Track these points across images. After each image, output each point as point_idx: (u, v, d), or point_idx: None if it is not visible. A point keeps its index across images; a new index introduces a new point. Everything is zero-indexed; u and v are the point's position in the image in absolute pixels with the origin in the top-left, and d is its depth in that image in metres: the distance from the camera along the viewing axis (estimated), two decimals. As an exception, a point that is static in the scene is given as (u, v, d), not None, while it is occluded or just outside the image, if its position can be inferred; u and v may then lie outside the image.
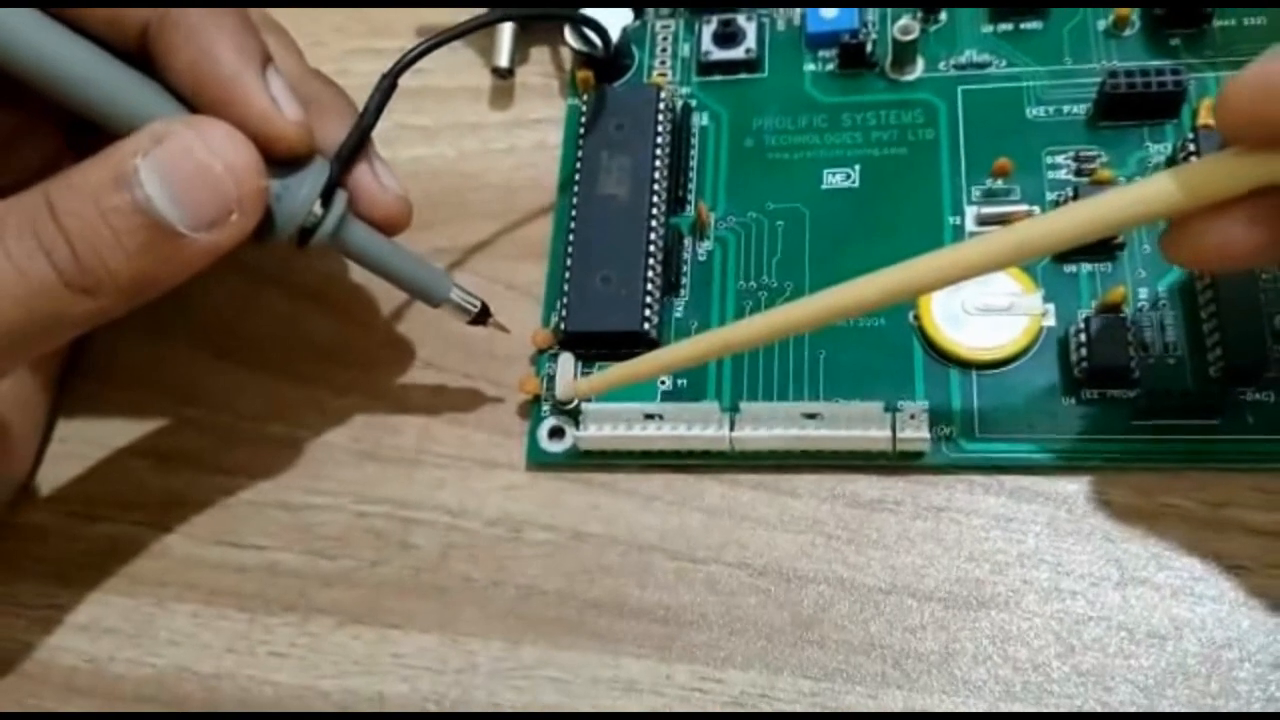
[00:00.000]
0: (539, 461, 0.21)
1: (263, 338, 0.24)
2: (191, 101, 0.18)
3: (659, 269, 0.21)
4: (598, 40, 0.23)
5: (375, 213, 0.20)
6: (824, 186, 0.22)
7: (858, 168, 0.22)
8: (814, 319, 0.17)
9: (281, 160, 0.18)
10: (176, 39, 0.17)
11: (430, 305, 0.21)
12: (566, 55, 0.25)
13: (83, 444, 0.23)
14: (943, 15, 0.23)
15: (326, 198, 0.18)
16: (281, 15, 0.22)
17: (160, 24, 0.17)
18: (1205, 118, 0.20)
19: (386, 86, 0.20)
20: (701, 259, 0.22)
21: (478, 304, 0.21)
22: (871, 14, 0.24)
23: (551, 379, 0.21)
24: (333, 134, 0.19)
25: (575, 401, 0.21)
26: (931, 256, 0.16)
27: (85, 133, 0.21)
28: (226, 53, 0.17)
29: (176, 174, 0.16)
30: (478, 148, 0.25)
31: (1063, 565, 0.19)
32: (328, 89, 0.20)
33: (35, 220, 0.16)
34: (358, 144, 0.19)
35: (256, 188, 0.17)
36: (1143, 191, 0.15)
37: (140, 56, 0.18)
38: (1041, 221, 0.16)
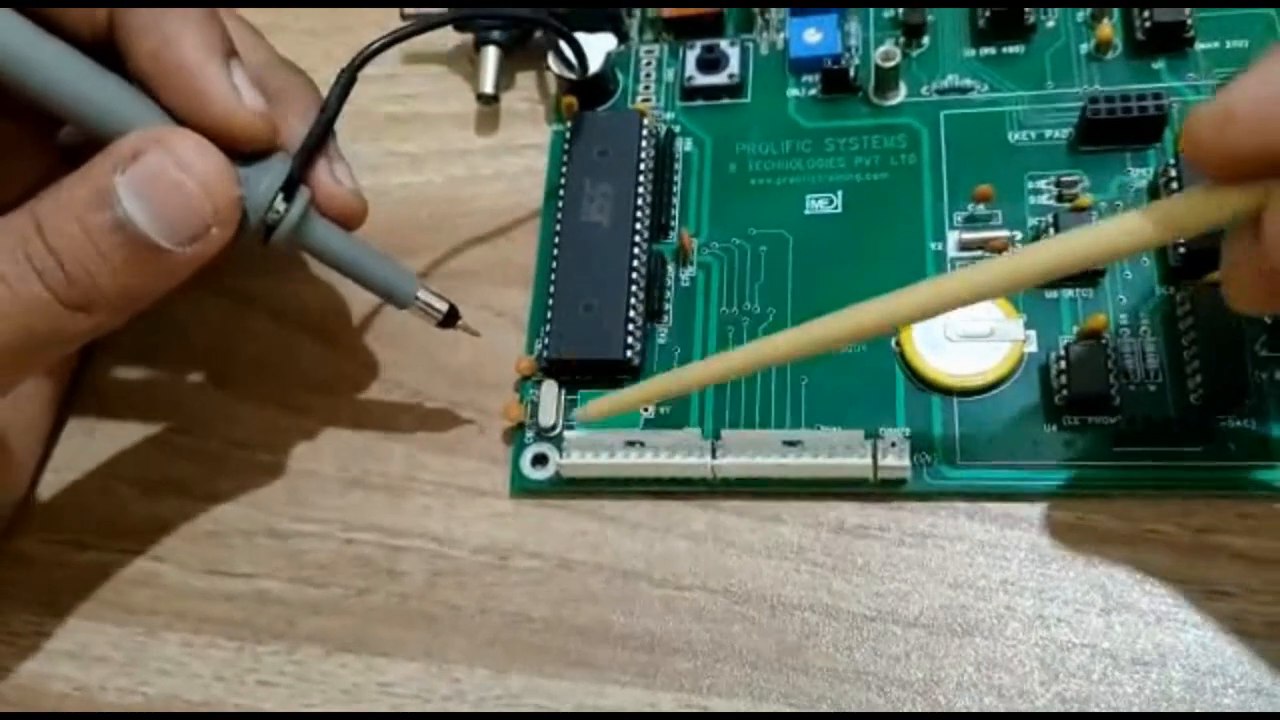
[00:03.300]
0: (523, 489, 0.21)
1: (252, 365, 0.24)
2: (154, 90, 0.18)
3: (641, 296, 0.21)
4: (573, 57, 0.23)
5: (330, 208, 0.20)
6: (807, 212, 0.22)
7: (841, 193, 0.22)
8: (794, 352, 0.17)
9: (244, 153, 0.18)
10: (138, 25, 0.17)
11: (398, 307, 0.20)
12: (552, 80, 0.25)
13: (73, 472, 0.23)
14: (925, 39, 0.23)
15: (289, 193, 0.18)
16: (271, 43, 0.22)
17: (124, 11, 0.17)
18: (1188, 142, 0.20)
19: (346, 80, 0.20)
20: (685, 285, 0.22)
21: (446, 306, 0.20)
22: (854, 39, 0.24)
23: (535, 406, 0.21)
24: (300, 127, 0.19)
25: (559, 427, 0.21)
26: (910, 290, 0.16)
27: (80, 147, 0.21)
28: (189, 41, 0.17)
29: (152, 194, 0.17)
30: (465, 174, 0.25)
31: (1047, 592, 0.19)
32: (296, 78, 0.20)
33: (25, 241, 0.17)
34: (320, 138, 0.19)
35: (231, 199, 0.17)
36: (1114, 229, 0.15)
37: (106, 47, 0.18)
38: (1013, 259, 0.16)
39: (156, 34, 0.17)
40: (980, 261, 0.16)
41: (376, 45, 0.20)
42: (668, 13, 0.24)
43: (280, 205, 0.18)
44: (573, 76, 0.23)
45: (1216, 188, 0.14)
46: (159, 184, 0.17)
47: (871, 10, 0.24)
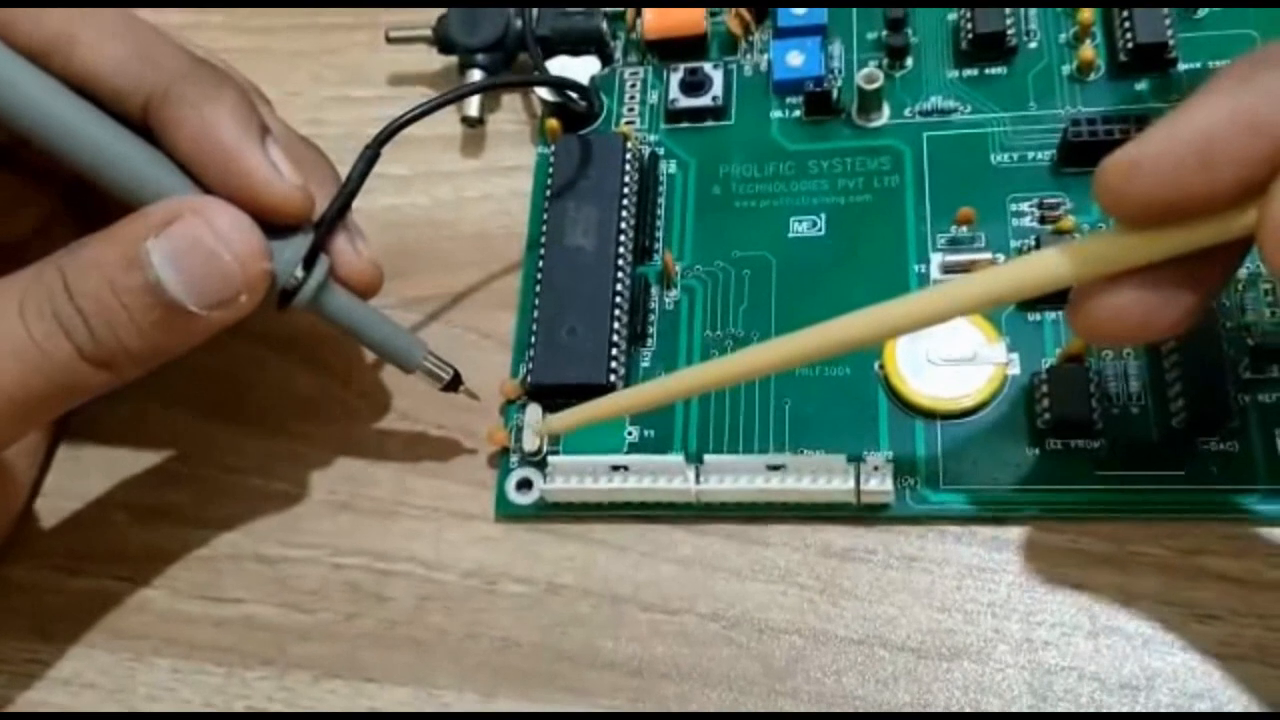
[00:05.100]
0: (507, 513, 0.21)
1: (242, 391, 0.24)
2: (195, 171, 0.18)
3: (625, 320, 0.21)
4: (579, 100, 0.23)
5: (350, 278, 0.20)
6: (790, 234, 0.22)
7: (824, 215, 0.22)
8: (781, 362, 0.17)
9: (271, 224, 0.18)
10: (180, 113, 0.18)
11: (403, 371, 0.21)
12: (537, 102, 0.25)
13: (64, 498, 0.23)
14: (908, 61, 0.23)
15: (308, 262, 0.19)
16: (257, 65, 0.22)
17: (164, 98, 0.18)
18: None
19: (370, 156, 0.20)
20: (669, 308, 0.22)
21: (450, 372, 0.21)
22: (837, 61, 0.24)
23: (520, 430, 0.21)
24: (318, 198, 0.19)
25: (543, 451, 0.21)
26: (860, 313, 0.16)
27: (82, 194, 0.22)
28: (228, 124, 0.18)
29: (186, 260, 0.17)
30: (452, 196, 0.25)
31: (1034, 615, 0.19)
32: (310, 153, 0.21)
33: (53, 299, 0.17)
34: (340, 210, 0.20)
35: (263, 271, 0.18)
36: (1028, 267, 0.15)
37: (143, 129, 0.18)
38: (924, 296, 0.16)
39: (196, 118, 0.18)
40: (928, 289, 0.16)
41: (401, 121, 0.20)
42: (651, 34, 0.24)
43: (299, 273, 0.19)
44: (578, 108, 0.24)
45: (1131, 230, 0.14)
46: (194, 252, 0.17)
47: (854, 32, 0.24)
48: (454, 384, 0.21)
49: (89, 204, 0.22)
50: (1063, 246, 0.15)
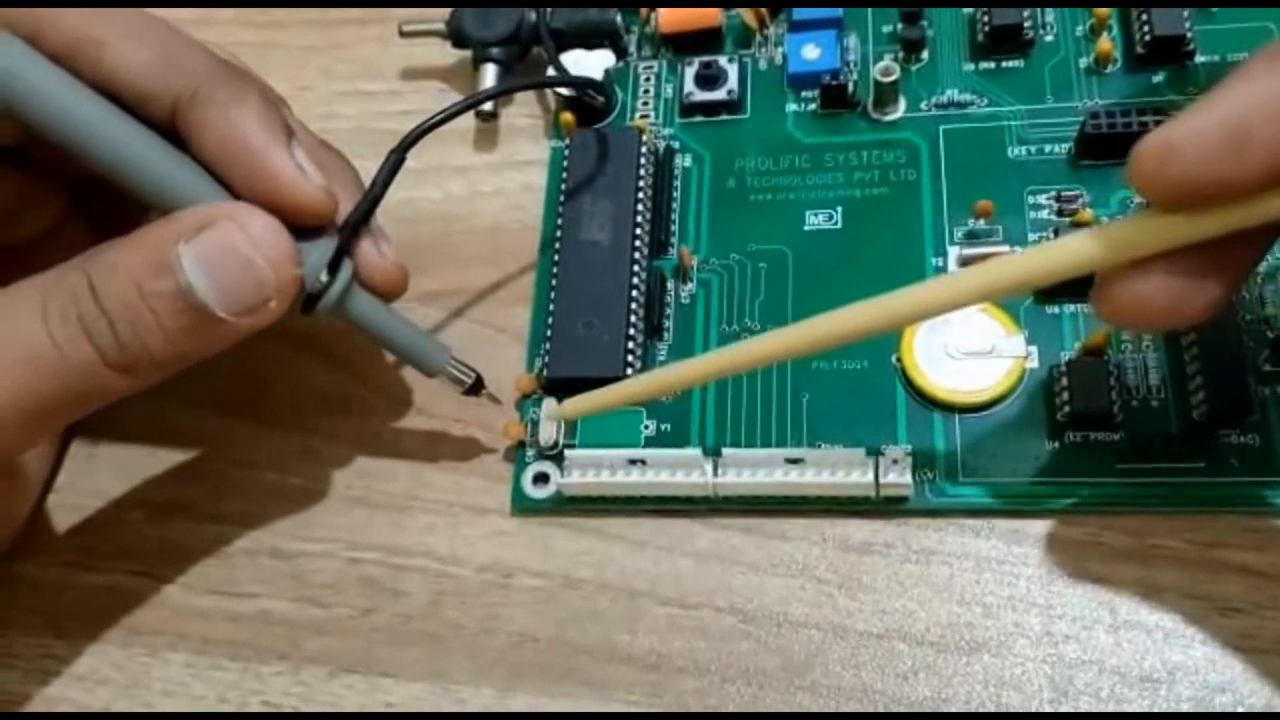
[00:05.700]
0: (523, 507, 0.21)
1: (258, 387, 0.24)
2: (222, 173, 0.18)
3: (641, 314, 0.21)
4: (598, 97, 0.24)
5: (373, 281, 0.20)
6: (806, 228, 0.22)
7: (840, 209, 0.22)
8: (797, 348, 0.17)
9: (299, 228, 0.18)
10: (207, 114, 0.18)
11: (426, 375, 0.21)
12: (551, 96, 0.25)
13: (77, 494, 0.23)
14: (924, 54, 0.23)
15: (333, 266, 0.19)
16: (267, 60, 0.22)
17: (190, 101, 0.18)
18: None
19: (395, 161, 0.20)
20: (685, 302, 0.22)
21: (472, 376, 0.21)
22: (853, 54, 0.24)
23: (536, 424, 0.21)
24: (341, 201, 0.20)
25: (559, 445, 0.21)
26: (880, 299, 0.16)
27: (89, 195, 0.22)
28: (254, 126, 0.18)
29: (219, 265, 0.17)
30: (465, 190, 0.25)
31: (1054, 609, 0.19)
32: (333, 158, 0.21)
33: (78, 302, 0.17)
34: (365, 215, 0.20)
35: (293, 277, 0.18)
36: (1059, 250, 0.15)
37: (169, 131, 0.18)
38: (952, 279, 0.16)
39: (223, 121, 0.18)
40: (959, 271, 0.16)
41: (424, 126, 0.20)
42: (666, 28, 0.24)
43: (324, 277, 0.19)
44: (596, 104, 0.24)
45: (1163, 213, 0.14)
46: (228, 257, 0.17)
47: (870, 25, 0.24)
48: (476, 388, 0.21)
49: (96, 205, 0.22)
50: (1092, 230, 0.15)
